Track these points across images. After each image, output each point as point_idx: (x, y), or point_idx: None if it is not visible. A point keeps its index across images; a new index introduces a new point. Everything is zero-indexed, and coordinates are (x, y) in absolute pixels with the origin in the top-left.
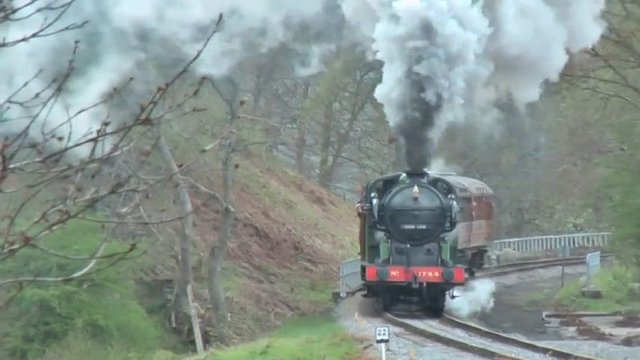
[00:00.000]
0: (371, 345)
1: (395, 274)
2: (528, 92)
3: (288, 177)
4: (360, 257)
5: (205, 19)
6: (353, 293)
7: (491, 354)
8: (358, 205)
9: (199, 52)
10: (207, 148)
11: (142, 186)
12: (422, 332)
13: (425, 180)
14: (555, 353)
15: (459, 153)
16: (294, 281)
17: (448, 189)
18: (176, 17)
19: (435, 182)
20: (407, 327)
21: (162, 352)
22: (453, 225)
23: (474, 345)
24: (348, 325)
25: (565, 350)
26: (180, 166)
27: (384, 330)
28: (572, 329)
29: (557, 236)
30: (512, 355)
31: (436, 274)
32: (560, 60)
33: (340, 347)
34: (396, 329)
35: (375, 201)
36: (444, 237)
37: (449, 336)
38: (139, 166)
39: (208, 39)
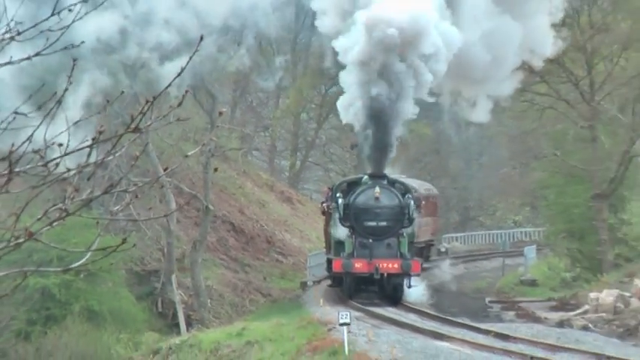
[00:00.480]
0: (334, 328)
1: (359, 266)
2: (479, 113)
3: (261, 179)
4: (325, 251)
5: (171, 41)
6: (319, 282)
7: (441, 335)
8: (324, 204)
9: (182, 69)
10: (189, 153)
11: (132, 187)
12: (379, 316)
13: (385, 181)
14: (497, 334)
15: (412, 158)
16: (267, 271)
17: (405, 189)
18: (141, 38)
19: (394, 183)
20: (366, 312)
21: (149, 333)
22: (410, 222)
23: (425, 327)
24: (314, 310)
25: (505, 332)
26: (165, 169)
27: (346, 314)
28: (511, 313)
29: (499, 231)
30: (459, 336)
31: (395, 265)
32: (512, 83)
33: (307, 330)
34: (357, 314)
35: (340, 200)
36: (403, 232)
37: (403, 319)
38: (129, 169)
39: (190, 57)
